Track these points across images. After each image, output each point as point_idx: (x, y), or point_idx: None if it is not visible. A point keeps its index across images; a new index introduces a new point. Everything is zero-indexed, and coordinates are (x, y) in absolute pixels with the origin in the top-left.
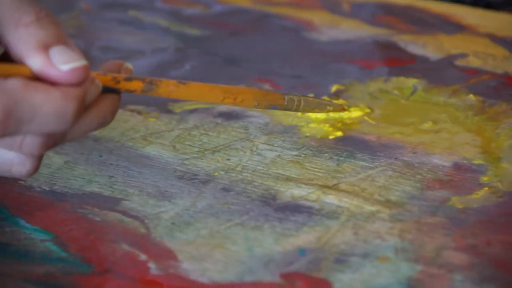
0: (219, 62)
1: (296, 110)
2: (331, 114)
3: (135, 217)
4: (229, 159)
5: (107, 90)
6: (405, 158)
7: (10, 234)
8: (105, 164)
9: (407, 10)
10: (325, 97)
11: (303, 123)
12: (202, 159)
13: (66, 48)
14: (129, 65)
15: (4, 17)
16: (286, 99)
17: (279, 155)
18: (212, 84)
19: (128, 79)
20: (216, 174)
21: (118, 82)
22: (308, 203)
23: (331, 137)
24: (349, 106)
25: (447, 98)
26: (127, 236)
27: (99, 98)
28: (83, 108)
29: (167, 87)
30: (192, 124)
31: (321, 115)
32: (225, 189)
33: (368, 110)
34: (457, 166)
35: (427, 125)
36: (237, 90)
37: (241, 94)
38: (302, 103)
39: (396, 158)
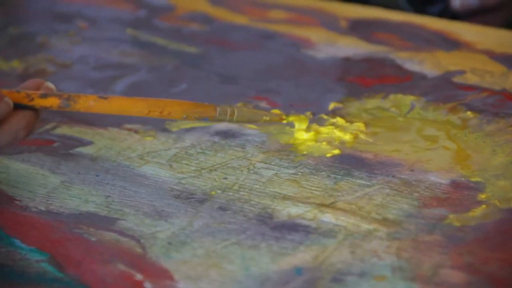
0: (216, 80)
1: (230, 121)
2: (324, 132)
3: (131, 237)
4: (226, 178)
5: (22, 107)
6: (403, 176)
7: (5, 255)
8: (102, 184)
9: (405, 27)
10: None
11: (300, 141)
12: (199, 178)
13: None
14: (50, 84)
15: None
16: (218, 110)
17: (276, 173)
18: (136, 97)
19: (43, 96)
20: (213, 193)
21: (32, 99)
22: (305, 222)
23: (328, 155)
24: (287, 115)
25: (445, 115)
26: (123, 256)
27: (11, 115)
28: None
29: (86, 103)
30: (189, 143)
31: (314, 135)
32: (222, 208)
33: (303, 120)
34: (454, 184)
35: (425, 143)
36: (163, 103)
37: (168, 107)
38: (236, 113)
39: (393, 176)
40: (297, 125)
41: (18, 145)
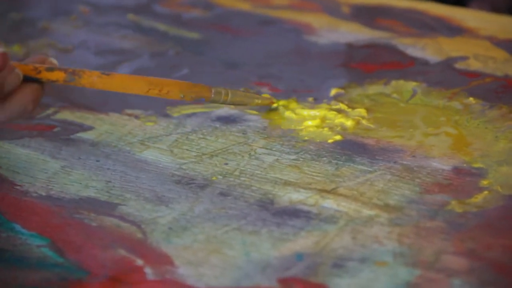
0: (218, 66)
1: (224, 102)
2: (328, 117)
3: (132, 222)
4: (227, 164)
5: (29, 80)
6: (404, 162)
7: (6, 240)
8: (102, 169)
9: (407, 13)
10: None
11: (302, 127)
12: (199, 163)
13: None
14: (53, 59)
15: None
16: (213, 91)
17: (278, 159)
18: (137, 75)
19: (50, 69)
20: (213, 178)
21: (39, 72)
22: (306, 208)
23: (330, 141)
24: (278, 100)
25: (447, 101)
26: (124, 241)
27: (20, 87)
28: (1, 95)
29: (90, 78)
30: (190, 129)
31: (315, 121)
32: (223, 194)
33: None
34: (456, 170)
35: (427, 129)
36: (162, 82)
37: (166, 86)
38: (230, 95)
39: (395, 162)
40: (284, 108)
41: (23, 120)
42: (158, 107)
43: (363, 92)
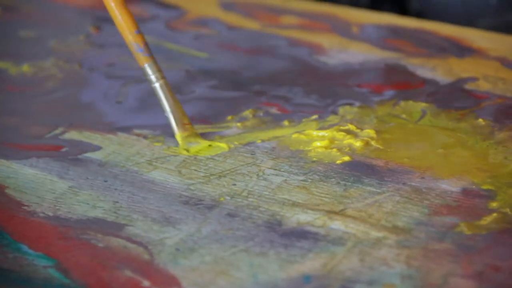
0: (227, 86)
1: None
2: (338, 137)
3: (139, 243)
4: (235, 184)
5: None
6: (413, 183)
7: (12, 260)
8: (110, 189)
9: (417, 33)
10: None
11: (310, 148)
12: (207, 184)
13: None
14: None
15: None
16: None
17: (286, 180)
18: None
19: None
20: (221, 199)
21: None
22: (314, 229)
23: (338, 162)
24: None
25: (456, 122)
26: (130, 263)
27: None
28: None
29: None
30: None
31: (324, 142)
32: (231, 215)
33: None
34: (465, 192)
35: (436, 150)
36: None
37: None
38: None
39: (404, 183)
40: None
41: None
42: (167, 127)
43: (372, 112)
